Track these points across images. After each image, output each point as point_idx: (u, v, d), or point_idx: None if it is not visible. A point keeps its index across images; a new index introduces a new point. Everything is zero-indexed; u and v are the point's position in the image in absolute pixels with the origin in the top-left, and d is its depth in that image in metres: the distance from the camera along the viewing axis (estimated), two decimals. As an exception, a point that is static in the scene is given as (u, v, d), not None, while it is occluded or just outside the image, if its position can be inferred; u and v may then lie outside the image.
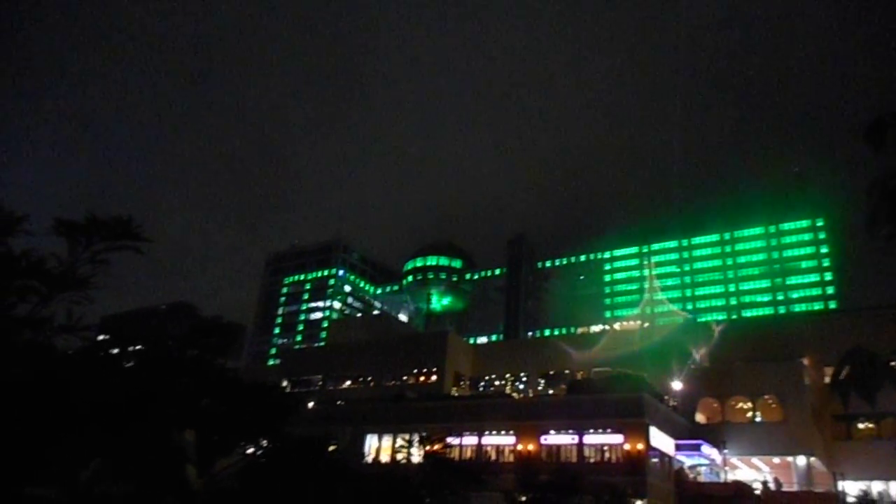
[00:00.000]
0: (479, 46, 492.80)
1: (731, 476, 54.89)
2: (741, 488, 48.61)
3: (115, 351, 7.84)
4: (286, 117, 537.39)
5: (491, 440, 50.49)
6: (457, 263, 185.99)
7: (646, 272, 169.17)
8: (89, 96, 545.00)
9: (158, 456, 3.93)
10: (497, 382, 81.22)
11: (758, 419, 57.87)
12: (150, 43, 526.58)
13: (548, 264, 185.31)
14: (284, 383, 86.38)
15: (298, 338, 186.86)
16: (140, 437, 4.37)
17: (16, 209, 5.41)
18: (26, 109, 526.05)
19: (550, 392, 73.49)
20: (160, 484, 3.36)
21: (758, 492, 49.53)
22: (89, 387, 4.99)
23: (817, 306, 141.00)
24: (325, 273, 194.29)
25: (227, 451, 3.59)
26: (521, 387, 79.46)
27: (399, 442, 50.04)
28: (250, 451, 7.75)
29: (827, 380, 62.07)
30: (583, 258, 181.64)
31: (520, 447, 48.24)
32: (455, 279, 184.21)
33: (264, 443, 7.79)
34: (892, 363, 5.31)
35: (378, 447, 55.02)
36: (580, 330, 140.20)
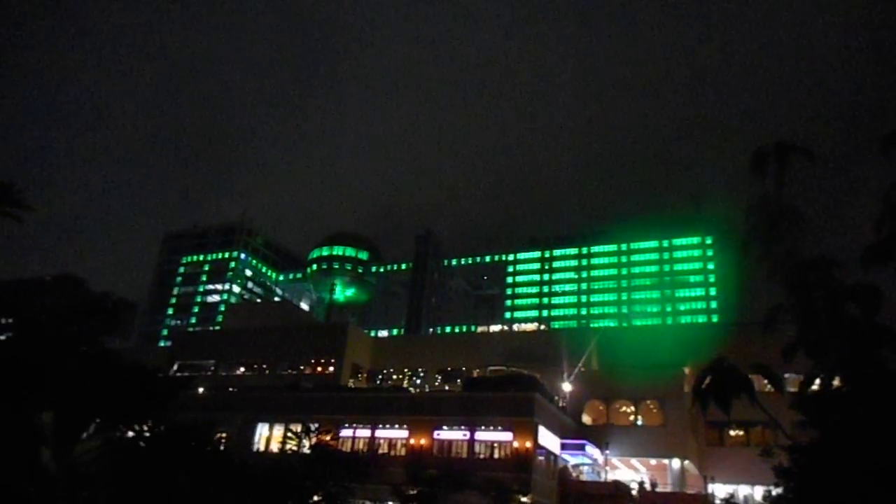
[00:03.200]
0: (422, 51, 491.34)
1: (612, 476, 57.51)
2: (619, 487, 51.06)
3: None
4: (207, 85, 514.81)
5: (384, 433, 50.60)
6: (363, 255, 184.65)
7: (546, 276, 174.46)
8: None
9: (12, 438, 3.75)
10: (395, 376, 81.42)
11: (639, 423, 60.90)
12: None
13: (453, 262, 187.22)
14: (175, 367, 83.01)
15: (193, 320, 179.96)
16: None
17: None
18: None
19: (447, 388, 74.39)
20: (14, 467, 3.22)
21: (634, 491, 52.16)
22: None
23: (701, 319, 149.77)
24: (226, 255, 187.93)
25: (89, 434, 3.47)
26: (419, 382, 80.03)
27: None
28: (130, 435, 7.46)
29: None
30: (487, 259, 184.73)
31: (412, 441, 48.59)
32: (360, 271, 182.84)
33: (141, 427, 7.53)
34: (750, 376, 5.81)
35: (269, 436, 53.91)
36: (480, 329, 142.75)
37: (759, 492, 59.15)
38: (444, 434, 48.37)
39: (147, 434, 6.99)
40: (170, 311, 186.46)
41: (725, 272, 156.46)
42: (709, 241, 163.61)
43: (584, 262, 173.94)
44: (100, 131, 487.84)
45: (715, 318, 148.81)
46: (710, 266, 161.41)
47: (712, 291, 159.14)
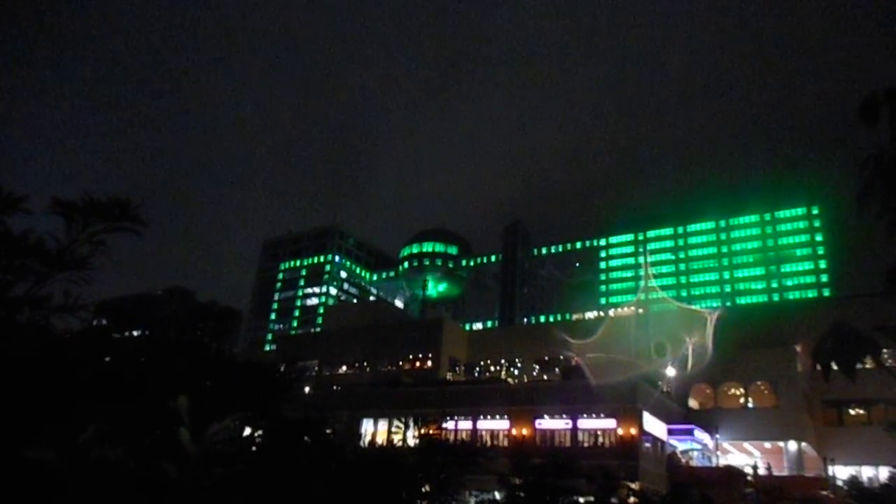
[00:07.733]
0: (490, 50, 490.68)
1: (723, 461, 55.42)
2: (732, 473, 49.08)
3: (115, 334, 7.95)
4: (275, 105, 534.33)
5: (486, 425, 50.82)
6: (452, 250, 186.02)
7: (641, 259, 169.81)
8: (92, 79, 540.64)
9: (154, 421, 4.06)
10: (492, 368, 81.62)
11: (750, 405, 58.34)
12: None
13: (543, 251, 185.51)
14: (281, 369, 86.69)
15: (294, 323, 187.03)
16: (137, 405, 4.50)
17: (15, 189, 5.45)
18: (31, 87, 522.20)
19: (545, 378, 73.89)
20: (156, 447, 3.48)
21: (749, 476, 50.04)
22: (89, 364, 5.10)
23: (811, 294, 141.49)
24: (321, 259, 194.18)
25: (220, 418, 3.69)
26: (516, 372, 79.88)
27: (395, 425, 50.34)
28: (248, 432, 7.88)
29: (819, 368, 62.44)
30: (578, 245, 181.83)
31: (514, 431, 48.57)
32: (451, 265, 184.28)
33: (259, 421, 7.96)
34: (873, 338, 5.42)
35: (374, 431, 55.28)
36: (575, 316, 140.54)
37: (883, 472, 55.32)
38: (546, 423, 48.07)
39: (265, 427, 7.40)
40: (272, 316, 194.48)
41: (836, 242, 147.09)
42: (815, 211, 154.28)
43: (681, 241, 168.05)
44: (198, 150, 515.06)
45: (826, 292, 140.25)
46: (819, 237, 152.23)
47: (822, 264, 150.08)
